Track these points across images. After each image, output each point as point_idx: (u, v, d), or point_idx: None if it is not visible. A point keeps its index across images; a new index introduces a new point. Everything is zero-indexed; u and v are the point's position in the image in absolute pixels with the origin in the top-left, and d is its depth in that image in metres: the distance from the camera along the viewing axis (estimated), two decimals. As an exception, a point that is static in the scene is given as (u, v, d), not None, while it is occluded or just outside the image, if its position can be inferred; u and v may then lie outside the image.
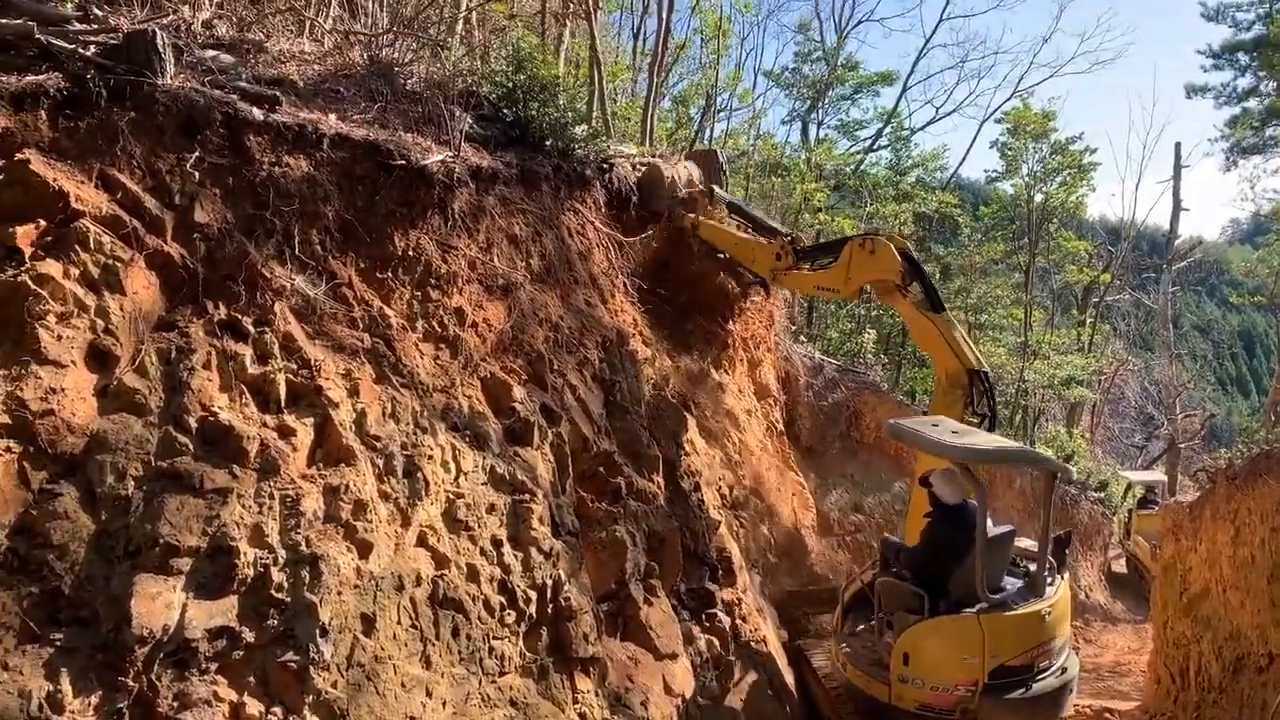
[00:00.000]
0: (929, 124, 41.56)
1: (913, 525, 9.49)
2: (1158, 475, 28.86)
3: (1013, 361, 26.99)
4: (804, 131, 32.41)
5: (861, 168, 30.27)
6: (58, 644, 4.78)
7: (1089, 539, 23.59)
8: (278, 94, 7.36)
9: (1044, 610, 8.27)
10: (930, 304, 9.67)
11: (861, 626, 9.34)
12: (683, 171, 12.08)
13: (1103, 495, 26.03)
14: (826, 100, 31.72)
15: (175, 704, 4.94)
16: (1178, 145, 33.73)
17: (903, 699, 8.34)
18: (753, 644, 9.67)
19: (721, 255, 12.06)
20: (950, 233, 30.98)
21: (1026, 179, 29.96)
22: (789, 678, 10.14)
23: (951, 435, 8.26)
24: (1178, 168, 33.14)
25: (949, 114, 36.30)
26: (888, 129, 32.10)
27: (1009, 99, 32.31)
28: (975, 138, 60.88)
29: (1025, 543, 9.34)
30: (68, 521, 5.04)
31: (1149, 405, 37.13)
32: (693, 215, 11.82)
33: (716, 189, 12.43)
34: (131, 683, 4.85)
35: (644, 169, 11.94)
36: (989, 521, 8.30)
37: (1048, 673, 8.31)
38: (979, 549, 8.02)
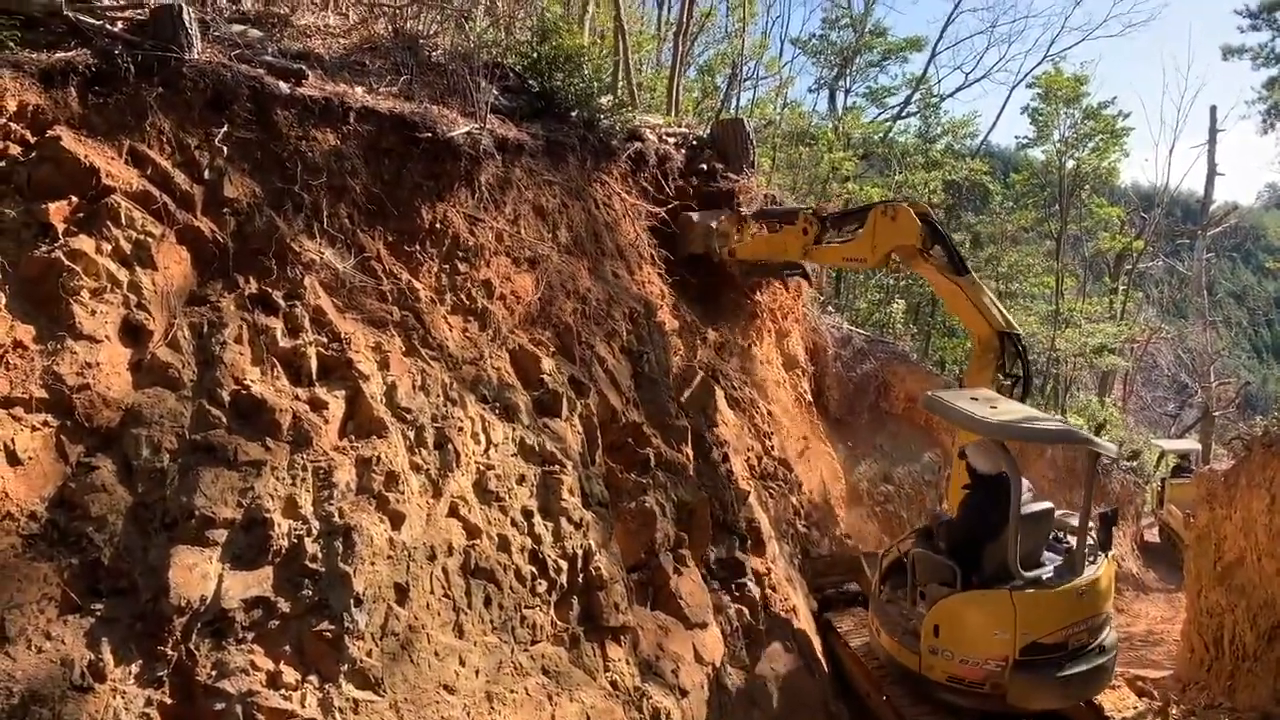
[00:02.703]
0: (958, 90, 41.07)
1: (954, 497, 9.45)
2: (1191, 444, 28.58)
3: (1044, 330, 26.69)
4: (831, 99, 32.06)
5: (890, 135, 29.92)
6: (98, 614, 4.87)
7: (1122, 509, 23.40)
8: (304, 68, 7.37)
9: (1081, 589, 8.19)
10: (954, 267, 9.53)
11: (896, 595, 9.33)
12: (710, 217, 11.89)
13: (1135, 465, 25.81)
14: (854, 67, 31.30)
15: (213, 672, 5.03)
16: (1213, 108, 33.20)
17: (932, 670, 8.35)
18: (782, 613, 9.68)
19: (764, 264, 11.89)
20: (980, 200, 30.56)
21: (1058, 145, 29.48)
22: (819, 647, 10.16)
23: (991, 410, 8.17)
24: (1213, 131, 32.62)
25: (979, 80, 35.87)
26: (916, 96, 31.72)
27: (1040, 63, 31.84)
28: (1005, 103, 59.67)
29: (1071, 518, 9.26)
30: (105, 494, 5.12)
31: (1182, 373, 36.69)
32: (727, 247, 11.63)
33: (745, 211, 12.17)
34: (170, 652, 4.94)
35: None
36: (1030, 496, 8.24)
37: (1083, 652, 8.26)
38: (1013, 525, 7.97)
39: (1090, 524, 8.59)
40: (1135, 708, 10.87)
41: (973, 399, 8.50)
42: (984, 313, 9.34)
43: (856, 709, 9.88)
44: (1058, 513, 9.10)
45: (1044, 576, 8.25)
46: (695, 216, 11.59)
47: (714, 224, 11.58)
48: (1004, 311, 9.57)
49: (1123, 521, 23.29)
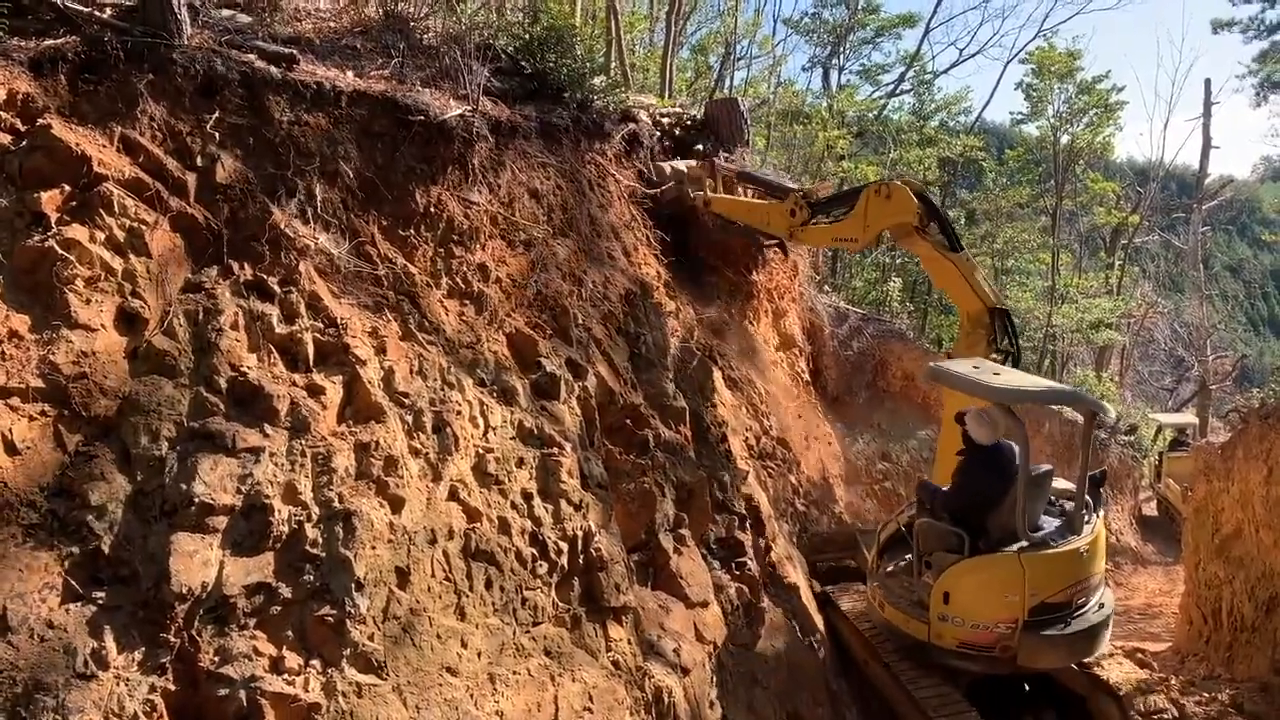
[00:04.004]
0: (952, 67, 40.92)
1: (943, 465, 9.50)
2: (1188, 418, 28.66)
3: (1040, 306, 26.72)
4: (825, 78, 31.92)
5: (884, 113, 29.84)
6: (100, 602, 4.86)
7: (1119, 482, 23.49)
8: (294, 52, 7.33)
9: (1082, 548, 8.31)
10: (949, 244, 9.64)
11: (898, 566, 9.41)
12: (677, 165, 11.96)
13: (1133, 439, 25.87)
14: (847, 45, 31.19)
15: (216, 658, 5.03)
16: (1207, 81, 33.25)
17: (942, 637, 8.42)
18: (783, 592, 9.72)
19: (736, 225, 11.94)
20: (975, 177, 30.52)
21: (1052, 120, 29.39)
22: (820, 624, 10.20)
23: (993, 377, 8.26)
24: (1207, 105, 32.49)
25: (972, 56, 35.67)
26: (910, 73, 31.63)
27: (1034, 38, 31.66)
28: (999, 80, 60.04)
29: (1060, 483, 9.36)
30: (104, 483, 5.11)
31: (1179, 347, 36.74)
32: (701, 194, 11.69)
33: (717, 160, 12.23)
34: (173, 638, 4.94)
35: None
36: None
37: (1086, 609, 8.39)
38: (1021, 488, 8.04)
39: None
40: (1134, 681, 10.94)
41: (974, 367, 8.58)
42: (976, 289, 9.47)
43: (858, 685, 9.93)
44: None
45: (1048, 538, 8.36)
46: (666, 165, 11.65)
47: (685, 169, 11.65)
48: (994, 287, 9.69)
49: (1120, 495, 23.38)
